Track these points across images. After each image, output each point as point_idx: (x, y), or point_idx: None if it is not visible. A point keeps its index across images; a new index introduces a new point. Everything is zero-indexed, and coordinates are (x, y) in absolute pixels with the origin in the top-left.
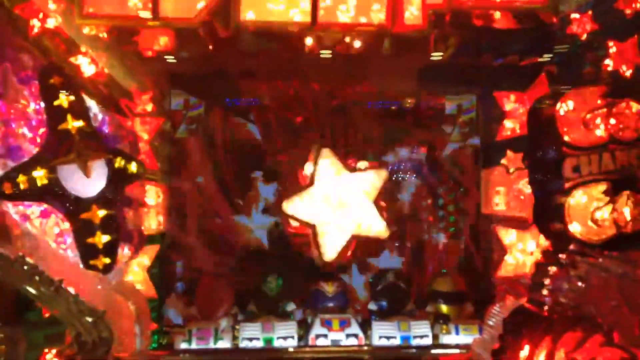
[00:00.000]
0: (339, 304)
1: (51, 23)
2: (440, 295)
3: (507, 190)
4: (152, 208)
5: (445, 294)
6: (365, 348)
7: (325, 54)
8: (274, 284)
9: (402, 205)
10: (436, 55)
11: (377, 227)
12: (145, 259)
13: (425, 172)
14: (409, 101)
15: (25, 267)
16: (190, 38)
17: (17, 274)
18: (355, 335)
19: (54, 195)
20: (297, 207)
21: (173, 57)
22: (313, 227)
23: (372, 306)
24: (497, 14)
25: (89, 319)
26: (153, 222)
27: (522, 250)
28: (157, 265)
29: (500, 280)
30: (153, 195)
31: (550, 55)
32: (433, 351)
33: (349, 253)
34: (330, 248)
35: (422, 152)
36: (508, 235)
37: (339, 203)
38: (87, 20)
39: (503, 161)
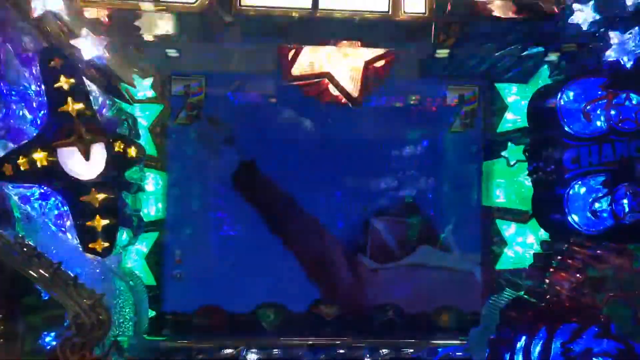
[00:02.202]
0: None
1: (53, 5)
2: None
3: (508, 183)
4: (152, 195)
5: None
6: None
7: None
8: (272, 317)
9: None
10: (441, 53)
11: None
12: (143, 246)
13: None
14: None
15: (25, 249)
16: (192, 24)
17: (16, 256)
18: None
19: (54, 177)
20: (302, 67)
21: (175, 50)
22: (328, 74)
23: None
24: (499, 3)
25: (88, 302)
26: (152, 209)
27: (521, 243)
28: (155, 252)
29: (499, 273)
30: (152, 181)
31: (557, 55)
32: (431, 341)
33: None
34: (351, 83)
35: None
36: (508, 228)
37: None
38: (89, 3)
39: (504, 153)
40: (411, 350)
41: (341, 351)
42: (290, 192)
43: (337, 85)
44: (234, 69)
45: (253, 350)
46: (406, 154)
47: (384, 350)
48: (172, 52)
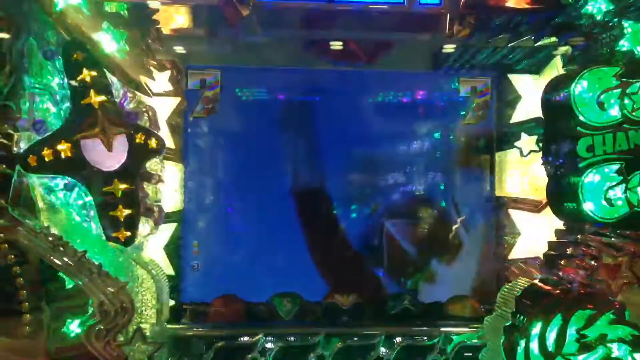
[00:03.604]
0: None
1: (74, 0)
2: None
3: (521, 173)
4: (170, 186)
5: None
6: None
7: (336, 45)
8: (290, 307)
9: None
10: (448, 48)
11: None
12: (163, 236)
13: (441, 158)
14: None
15: (50, 238)
16: (211, 17)
17: (42, 245)
18: None
19: (77, 168)
20: None
21: (182, 47)
22: None
23: None
24: None
25: (112, 290)
26: (170, 200)
27: (535, 233)
28: (174, 243)
29: (514, 262)
30: (170, 173)
31: (571, 45)
32: (444, 329)
33: None
34: None
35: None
36: (521, 218)
37: None
38: None
39: (517, 144)
40: (426, 338)
41: (356, 339)
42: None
43: None
44: (251, 62)
45: (270, 338)
46: (419, 148)
47: (398, 338)
48: (179, 49)
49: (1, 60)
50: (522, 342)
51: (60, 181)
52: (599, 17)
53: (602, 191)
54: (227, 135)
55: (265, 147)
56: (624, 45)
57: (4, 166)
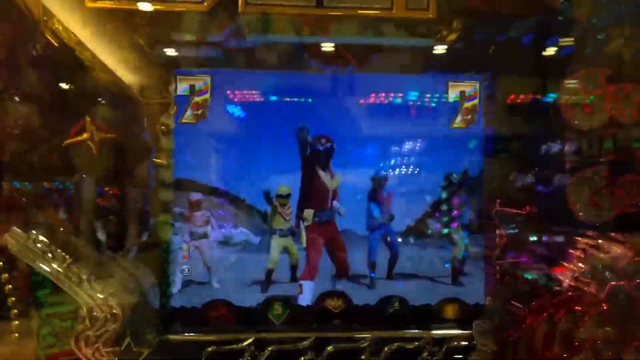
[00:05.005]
0: (344, 322)
1: (62, 6)
2: None
3: (511, 177)
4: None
5: None
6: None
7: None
8: (281, 311)
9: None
10: (439, 49)
11: None
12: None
13: (428, 161)
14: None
15: (39, 245)
16: (199, 22)
17: (31, 252)
18: None
19: (66, 174)
20: None
21: (174, 50)
22: None
23: None
24: None
25: (101, 296)
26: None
27: (523, 235)
28: (163, 248)
29: (502, 264)
30: (160, 178)
31: (555, 49)
32: (434, 332)
33: None
34: None
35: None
36: (510, 221)
37: None
38: (97, 3)
39: (505, 147)
40: (417, 343)
41: (348, 343)
42: None
43: None
44: (240, 67)
45: (261, 342)
46: (407, 151)
47: (391, 344)
48: (169, 54)
49: None
50: (511, 344)
51: (49, 187)
52: (586, 21)
53: (589, 194)
54: (217, 140)
55: (255, 152)
56: (611, 48)
57: None
